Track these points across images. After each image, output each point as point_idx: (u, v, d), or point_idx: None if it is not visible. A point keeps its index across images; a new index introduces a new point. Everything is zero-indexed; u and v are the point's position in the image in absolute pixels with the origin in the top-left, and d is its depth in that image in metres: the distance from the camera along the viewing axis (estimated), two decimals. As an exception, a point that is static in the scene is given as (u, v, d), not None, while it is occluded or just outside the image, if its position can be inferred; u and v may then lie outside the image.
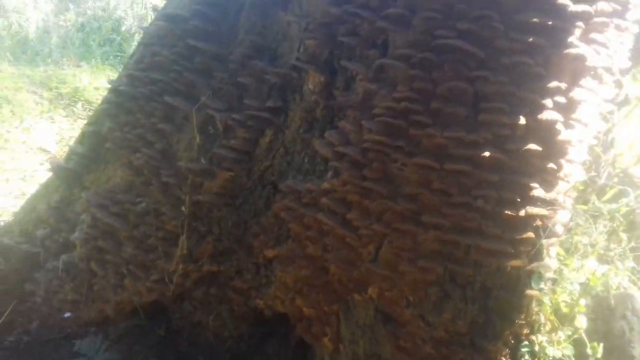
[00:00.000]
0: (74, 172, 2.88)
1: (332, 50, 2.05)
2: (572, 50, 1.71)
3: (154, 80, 2.49)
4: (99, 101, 6.65)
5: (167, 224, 2.49)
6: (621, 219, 2.85)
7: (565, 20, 1.69)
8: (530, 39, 1.69)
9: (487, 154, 1.80)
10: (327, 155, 2.07)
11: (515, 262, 1.94)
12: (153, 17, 2.64)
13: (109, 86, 2.73)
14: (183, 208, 2.46)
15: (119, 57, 12.54)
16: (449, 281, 2.04)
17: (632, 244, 2.89)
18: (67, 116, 6.33)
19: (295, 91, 2.23)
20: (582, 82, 1.85)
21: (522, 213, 1.87)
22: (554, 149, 1.84)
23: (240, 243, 2.40)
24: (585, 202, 2.75)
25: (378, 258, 2.07)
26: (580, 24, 1.71)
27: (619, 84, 2.31)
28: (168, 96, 2.43)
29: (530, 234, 1.90)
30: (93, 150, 2.83)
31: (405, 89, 1.83)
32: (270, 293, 2.35)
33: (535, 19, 1.67)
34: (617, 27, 1.89)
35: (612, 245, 2.73)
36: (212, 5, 2.34)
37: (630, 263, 2.75)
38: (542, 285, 2.06)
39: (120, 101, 2.63)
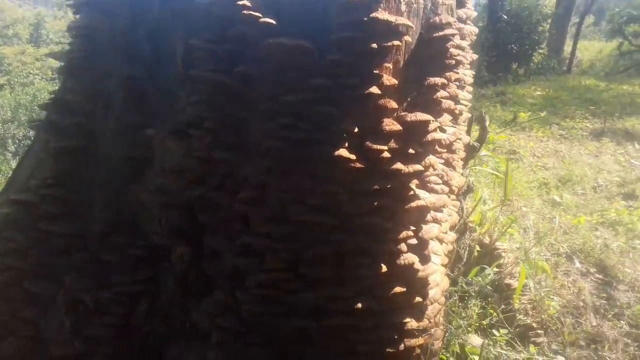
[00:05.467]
0: None
1: (194, 225, 2.07)
2: (413, 204, 1.88)
3: (9, 267, 2.35)
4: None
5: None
6: (490, 288, 3.13)
7: (402, 181, 1.86)
8: (375, 202, 1.83)
9: (359, 305, 1.91)
10: (207, 326, 2.08)
11: (405, 391, 2.07)
12: None
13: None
14: (65, 395, 2.33)
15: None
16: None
17: (502, 306, 3.19)
18: None
19: (164, 259, 2.21)
20: (428, 217, 2.04)
21: (401, 347, 2.01)
22: (416, 285, 2.00)
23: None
24: (454, 284, 2.99)
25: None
26: (415, 180, 1.88)
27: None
28: (28, 282, 2.31)
29: (413, 364, 2.04)
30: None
31: (272, 260, 1.90)
32: None
33: (376, 186, 1.82)
34: (447, 160, 2.11)
35: (485, 319, 2.99)
36: (60, 187, 2.26)
37: (504, 329, 3.02)
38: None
39: (-25, 290, 2.44)
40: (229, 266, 2.00)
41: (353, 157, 1.79)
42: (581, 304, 3.69)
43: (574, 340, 3.26)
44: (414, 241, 1.97)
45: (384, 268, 1.93)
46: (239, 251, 1.94)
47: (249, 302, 1.94)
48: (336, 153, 1.77)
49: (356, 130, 1.79)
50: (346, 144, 1.79)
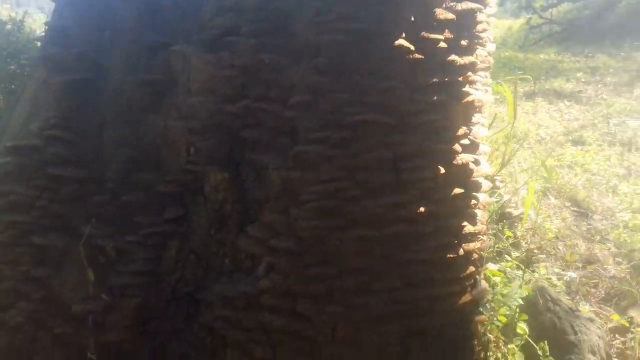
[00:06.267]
0: None
1: (231, 146, 1.92)
2: (469, 99, 1.83)
3: (12, 223, 2.09)
4: None
5: (73, 382, 2.10)
6: (494, 216, 3.16)
7: (457, 73, 1.80)
8: (434, 97, 1.77)
9: (421, 209, 1.84)
10: (258, 252, 1.93)
11: (465, 298, 2.02)
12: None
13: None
14: (89, 354, 2.11)
15: None
16: (407, 336, 2.04)
17: (507, 232, 3.23)
18: None
19: (196, 193, 2.04)
20: (474, 119, 2.00)
21: (461, 252, 1.96)
22: (471, 187, 1.96)
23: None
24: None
25: (335, 337, 1.99)
26: (469, 73, 1.83)
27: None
28: (36, 237, 2.06)
29: (472, 268, 1.99)
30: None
31: (330, 169, 1.79)
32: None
33: (435, 79, 1.75)
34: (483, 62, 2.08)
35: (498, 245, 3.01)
36: (67, 126, 2.03)
37: (515, 253, 3.06)
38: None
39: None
40: (278, 183, 1.86)
41: (412, 47, 1.71)
42: (568, 232, 3.83)
43: (573, 261, 3.37)
44: (466, 141, 1.92)
45: (442, 170, 1.87)
46: (292, 164, 1.81)
47: (305, 217, 1.82)
48: (396, 43, 1.68)
49: (412, 19, 1.72)
50: (404, 35, 1.71)
